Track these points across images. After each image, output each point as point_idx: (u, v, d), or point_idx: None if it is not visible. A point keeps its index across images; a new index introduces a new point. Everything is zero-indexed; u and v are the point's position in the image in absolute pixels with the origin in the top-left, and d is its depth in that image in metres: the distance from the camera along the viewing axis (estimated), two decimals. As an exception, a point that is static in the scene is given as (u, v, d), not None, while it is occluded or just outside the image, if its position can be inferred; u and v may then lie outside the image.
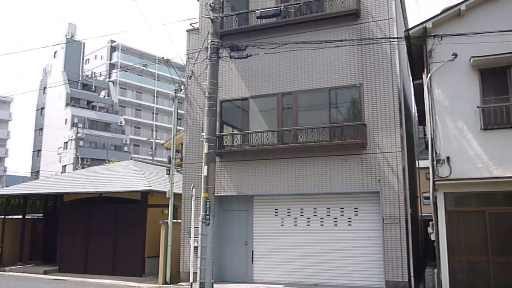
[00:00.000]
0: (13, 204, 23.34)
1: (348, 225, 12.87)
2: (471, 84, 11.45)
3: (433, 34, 11.73)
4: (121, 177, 17.87)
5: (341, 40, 12.75)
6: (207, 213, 11.27)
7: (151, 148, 47.81)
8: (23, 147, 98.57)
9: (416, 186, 18.09)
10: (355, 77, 13.08)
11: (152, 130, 63.30)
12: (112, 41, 64.37)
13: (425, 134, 18.35)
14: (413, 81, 14.98)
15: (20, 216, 20.50)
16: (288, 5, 13.55)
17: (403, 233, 11.99)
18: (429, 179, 11.63)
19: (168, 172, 15.29)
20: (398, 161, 12.34)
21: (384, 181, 12.31)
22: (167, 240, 14.61)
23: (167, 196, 14.86)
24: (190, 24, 15.79)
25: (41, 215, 21.33)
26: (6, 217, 20.67)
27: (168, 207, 14.91)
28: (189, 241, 13.82)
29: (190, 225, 13.66)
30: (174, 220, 14.95)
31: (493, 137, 11.07)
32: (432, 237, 11.95)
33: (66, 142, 52.76)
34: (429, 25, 11.81)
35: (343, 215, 12.98)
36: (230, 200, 14.28)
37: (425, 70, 12.19)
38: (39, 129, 58.90)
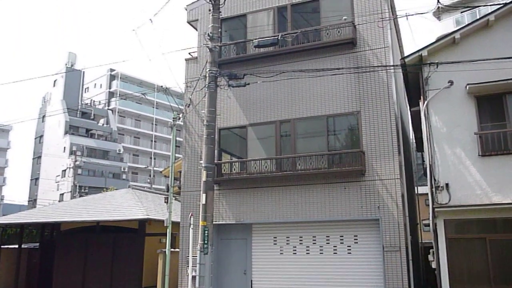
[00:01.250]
0: (9, 233, 23.08)
1: (348, 253, 12.73)
2: (468, 110, 11.54)
3: (428, 62, 11.88)
4: (118, 205, 17.76)
5: (338, 69, 12.90)
6: (206, 242, 11.15)
7: (150, 175, 47.67)
8: (21, 176, 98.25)
9: (416, 213, 17.99)
10: (353, 105, 13.17)
11: (151, 158, 63.24)
12: (112, 70, 64.99)
13: (423, 161, 18.34)
14: (410, 108, 15.08)
15: (16, 246, 20.24)
16: (285, 35, 13.77)
17: (404, 261, 11.85)
18: (429, 205, 11.59)
19: (166, 201, 15.22)
20: (397, 188, 12.30)
21: (384, 208, 12.25)
22: (164, 270, 14.42)
23: (165, 225, 14.75)
24: (189, 53, 16.00)
25: (38, 244, 21.08)
26: (2, 246, 20.41)
27: (166, 236, 14.77)
28: (187, 271, 13.62)
29: (188, 254, 13.50)
30: (172, 249, 14.78)
31: (492, 164, 11.09)
32: (433, 265, 11.81)
33: (64, 170, 52.59)
34: (424, 53, 11.98)
35: (342, 243, 12.85)
36: (229, 228, 14.16)
37: (421, 97, 12.30)
38: (37, 157, 58.81)
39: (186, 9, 16.27)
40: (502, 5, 11.82)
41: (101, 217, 16.85)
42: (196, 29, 16.05)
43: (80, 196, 43.24)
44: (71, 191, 48.97)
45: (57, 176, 53.56)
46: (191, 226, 13.52)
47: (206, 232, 11.18)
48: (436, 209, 11.19)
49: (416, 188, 19.26)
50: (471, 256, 11.03)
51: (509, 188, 10.79)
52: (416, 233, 17.65)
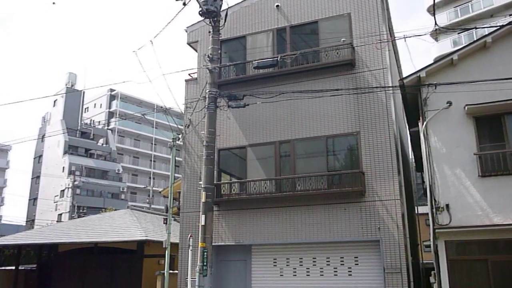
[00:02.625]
0: (6, 255, 22.88)
1: (349, 275, 12.59)
2: (467, 131, 11.57)
3: (427, 83, 11.97)
4: (117, 226, 17.65)
5: (337, 89, 12.98)
6: (205, 263, 11.04)
7: (148, 195, 47.48)
8: (20, 195, 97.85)
9: (416, 233, 17.86)
10: (352, 125, 13.20)
11: (150, 178, 63.09)
12: (112, 90, 65.31)
13: (423, 181, 18.31)
14: (409, 128, 15.13)
15: (13, 267, 20.04)
16: (284, 56, 13.90)
17: (405, 283, 11.71)
18: (429, 225, 11.53)
19: (165, 222, 15.13)
20: (397, 208, 12.25)
21: (384, 229, 12.17)
22: (163, 292, 14.24)
23: (164, 246, 14.62)
24: (189, 74, 16.10)
25: (35, 265, 20.87)
26: (-1, 268, 20.24)
27: (165, 257, 14.63)
28: (186, 293, 13.45)
29: (187, 276, 13.34)
30: (171, 271, 14.63)
31: (492, 184, 11.07)
32: (435, 287, 11.68)
33: (63, 190, 52.40)
34: (423, 74, 12.07)
35: (343, 264, 12.73)
36: (228, 249, 14.03)
37: (420, 118, 12.35)
38: (36, 177, 58.64)
39: (186, 31, 16.44)
40: (498, 27, 11.96)
41: (99, 238, 16.73)
42: (196, 51, 16.19)
43: (79, 216, 43.00)
44: (69, 211, 48.75)
45: (55, 196, 53.34)
46: (190, 247, 13.39)
47: (205, 253, 11.07)
48: (436, 230, 11.13)
49: (416, 208, 19.16)
50: (473, 278, 10.91)
51: (510, 209, 10.75)
52: (417, 254, 17.50)
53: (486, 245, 11.04)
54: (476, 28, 30.87)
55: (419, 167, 17.94)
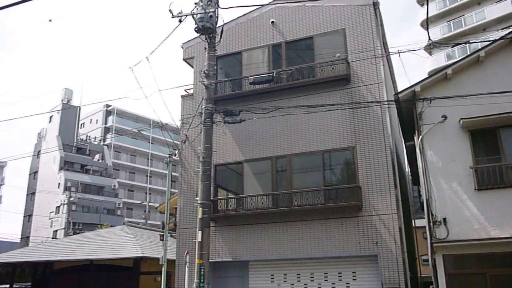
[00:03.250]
0: (1, 273, 22.62)
1: (347, 290, 12.50)
2: (462, 144, 11.61)
3: (422, 97, 12.04)
4: (113, 243, 17.51)
5: (332, 104, 13.03)
6: (201, 280, 10.93)
7: (145, 211, 47.20)
8: (15, 212, 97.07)
9: (414, 246, 17.81)
10: (348, 140, 13.23)
11: (146, 193, 62.77)
12: (108, 105, 65.28)
13: (420, 194, 18.32)
14: (405, 142, 15.17)
15: (7, 286, 19.79)
16: (280, 71, 13.97)
17: (404, 298, 11.64)
18: (426, 238, 11.50)
19: (161, 238, 15.02)
20: (395, 223, 12.22)
21: (382, 244, 12.12)
22: (160, 310, 14.09)
23: (161, 263, 14.50)
24: (185, 90, 16.15)
25: (29, 283, 20.63)
26: (-7, 286, 19.98)
27: (162, 274, 14.50)
28: (183, 311, 13.30)
29: (184, 293, 13.21)
30: (167, 288, 14.49)
31: (488, 198, 11.07)
32: (434, 302, 11.60)
33: (58, 207, 52.02)
34: (417, 88, 12.15)
35: (341, 280, 12.64)
36: (225, 266, 13.93)
37: (416, 131, 12.39)
38: (31, 194, 58.24)
39: (182, 47, 16.53)
40: (491, 41, 12.09)
41: (95, 256, 16.59)
42: (192, 66, 16.26)
43: (74, 232, 42.66)
44: (64, 228, 48.34)
45: (50, 212, 52.94)
46: (187, 264, 13.29)
47: (202, 270, 10.97)
48: (434, 244, 11.09)
49: (413, 221, 19.13)
50: (471, 292, 10.85)
51: (506, 222, 10.74)
52: (415, 268, 17.42)
53: (484, 258, 11.01)
54: (469, 42, 31.20)
55: (416, 180, 17.96)
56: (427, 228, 11.43)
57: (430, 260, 11.48)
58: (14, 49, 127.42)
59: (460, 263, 11.18)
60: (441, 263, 11.08)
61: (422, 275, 19.00)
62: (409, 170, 18.44)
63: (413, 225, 18.80)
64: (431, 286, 11.85)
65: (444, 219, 11.20)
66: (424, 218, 11.89)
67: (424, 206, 11.76)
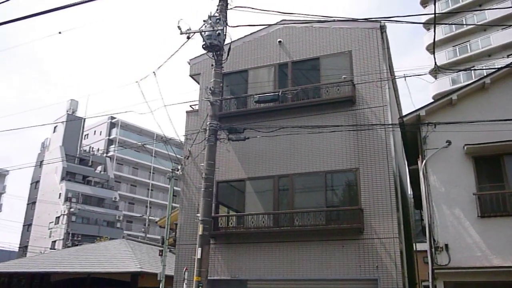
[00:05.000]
0: (-3, 283, 22.42)
1: (346, 314, 12.33)
2: (466, 171, 11.57)
3: (426, 121, 12.05)
4: (111, 257, 17.39)
5: (337, 126, 13.04)
6: (199, 298, 10.81)
7: (144, 225, 46.99)
8: (14, 221, 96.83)
9: (415, 270, 17.62)
10: (351, 162, 13.20)
11: (147, 207, 62.57)
12: (112, 118, 65.53)
13: (422, 218, 18.20)
14: (408, 166, 15.12)
15: (3, 296, 19.63)
16: (285, 91, 14.03)
17: (403, 324, 11.47)
18: (427, 263, 11.39)
19: (160, 254, 14.92)
20: (396, 247, 12.11)
21: (382, 268, 11.99)
22: (156, 327, 13.92)
23: (159, 279, 14.38)
24: (190, 105, 16.22)
25: (25, 295, 20.43)
26: (-12, 296, 19.81)
27: (159, 290, 14.38)
28: (179, 328, 13.13)
29: (181, 310, 13.06)
30: (165, 305, 14.34)
31: (491, 225, 10.99)
32: (434, 330, 11.43)
33: (58, 217, 51.82)
34: (422, 113, 12.16)
35: (340, 303, 12.48)
36: (223, 284, 13.77)
37: (420, 156, 12.37)
38: (31, 203, 58.12)
39: (189, 63, 16.65)
40: (497, 69, 12.14)
41: (92, 269, 16.47)
42: (198, 83, 16.36)
43: (73, 244, 42.41)
44: (63, 239, 48.08)
45: (50, 222, 52.72)
46: (185, 281, 13.16)
47: (200, 287, 10.86)
48: (435, 271, 10.98)
49: (414, 244, 18.96)
50: (472, 321, 10.70)
51: (508, 251, 10.64)
52: (415, 294, 17.20)
53: (485, 287, 10.87)
54: (474, 69, 31.35)
55: (418, 204, 17.86)
56: (428, 254, 11.32)
57: (431, 286, 11.35)
58: (22, 58, 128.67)
59: (461, 291, 11.04)
60: (442, 290, 10.95)
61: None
62: (412, 193, 18.34)
63: (414, 248, 18.62)
64: (431, 313, 11.68)
65: (446, 245, 11.11)
66: (425, 241, 11.80)
67: (426, 231, 11.67)
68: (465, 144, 11.53)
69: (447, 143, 11.80)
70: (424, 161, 11.89)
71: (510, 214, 10.92)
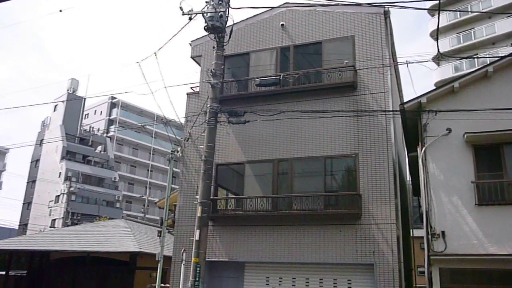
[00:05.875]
0: (-3, 259, 22.65)
1: (341, 297, 12.48)
2: (465, 159, 11.57)
3: (427, 109, 12.00)
4: (110, 236, 17.53)
5: (337, 111, 13.01)
6: (197, 279, 10.93)
7: (144, 205, 47.27)
8: (14, 199, 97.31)
9: (411, 256, 17.77)
10: (351, 147, 13.21)
11: (146, 187, 62.85)
12: (113, 98, 65.39)
13: (419, 204, 18.28)
14: (408, 153, 15.14)
15: (3, 273, 19.84)
16: (287, 75, 13.95)
17: (398, 309, 11.61)
18: (424, 249, 11.48)
19: (159, 234, 15.03)
20: (393, 233, 12.19)
21: (378, 253, 12.09)
22: (153, 306, 14.10)
23: (157, 259, 14.51)
24: (191, 87, 16.14)
25: (25, 272, 20.66)
26: (-12, 273, 20.03)
27: (157, 270, 14.51)
28: (176, 308, 13.30)
29: (179, 290, 13.22)
30: (162, 284, 14.49)
31: (488, 214, 11.03)
32: (428, 315, 11.58)
33: (58, 196, 52.11)
34: (423, 100, 12.11)
35: (336, 286, 12.60)
36: (221, 266, 13.92)
37: (419, 143, 12.36)
38: (31, 181, 58.36)
39: (190, 45, 16.53)
40: (500, 57, 12.05)
41: (91, 248, 16.61)
42: (199, 64, 16.26)
43: (72, 223, 42.75)
44: (63, 217, 48.43)
45: (50, 201, 53.04)
46: (183, 262, 13.32)
47: (198, 269, 10.97)
48: (431, 257, 11.06)
49: (411, 230, 19.09)
50: (466, 307, 10.82)
51: (505, 239, 10.70)
52: (411, 278, 17.38)
53: (480, 274, 10.97)
54: (477, 57, 31.14)
55: (416, 191, 17.93)
56: (425, 240, 11.41)
57: (426, 272, 11.46)
58: (23, 38, 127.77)
59: (456, 277, 11.14)
60: (437, 276, 11.05)
61: (417, 285, 18.97)
62: (410, 180, 18.39)
63: (411, 234, 18.75)
64: (425, 299, 11.83)
65: (443, 232, 11.17)
66: (422, 228, 11.88)
67: (423, 218, 11.73)
68: (465, 132, 11.52)
69: (447, 131, 11.78)
70: (424, 148, 11.89)
71: (508, 202, 10.95)
